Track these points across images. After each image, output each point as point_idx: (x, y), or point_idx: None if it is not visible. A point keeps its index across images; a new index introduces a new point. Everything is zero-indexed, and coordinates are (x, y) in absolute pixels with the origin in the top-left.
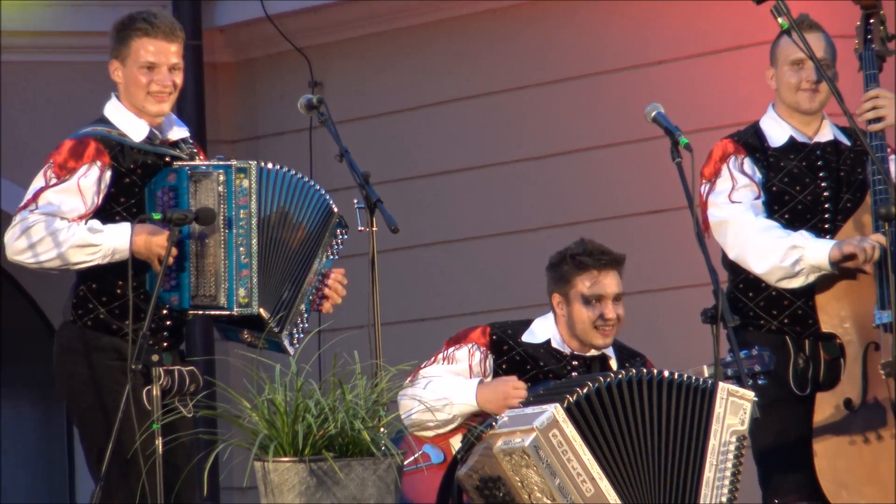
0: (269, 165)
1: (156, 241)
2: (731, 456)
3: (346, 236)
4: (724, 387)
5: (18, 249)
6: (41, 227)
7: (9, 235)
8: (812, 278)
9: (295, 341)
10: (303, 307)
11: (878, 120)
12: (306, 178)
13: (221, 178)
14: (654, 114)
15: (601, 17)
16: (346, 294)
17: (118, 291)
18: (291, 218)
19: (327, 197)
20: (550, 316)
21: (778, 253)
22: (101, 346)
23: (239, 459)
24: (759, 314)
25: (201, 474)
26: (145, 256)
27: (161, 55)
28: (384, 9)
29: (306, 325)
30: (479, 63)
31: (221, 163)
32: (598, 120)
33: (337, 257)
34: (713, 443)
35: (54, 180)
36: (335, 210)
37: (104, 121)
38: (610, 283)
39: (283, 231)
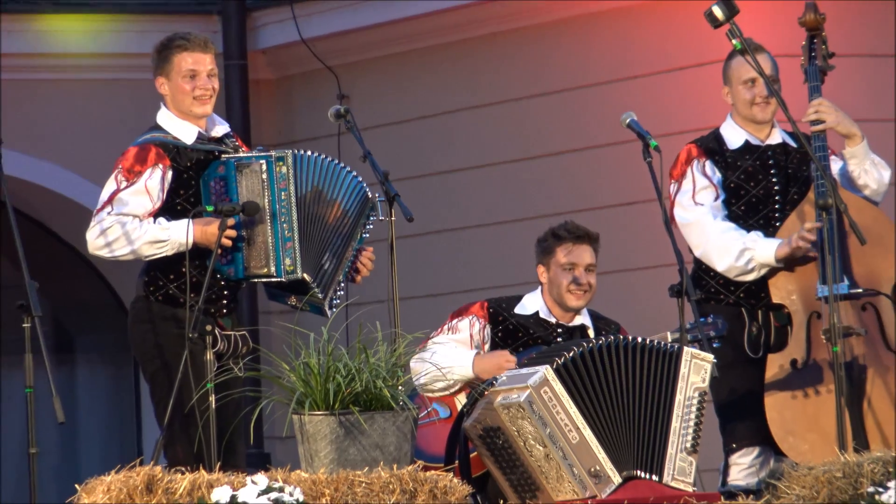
0: (304, 152)
1: (210, 231)
2: (694, 408)
3: (375, 218)
4: (688, 350)
5: (98, 246)
6: (117, 227)
7: (89, 234)
8: (763, 272)
9: (333, 306)
10: (340, 277)
11: (820, 123)
12: (339, 163)
13: (264, 166)
14: (628, 120)
15: (585, 39)
16: (373, 269)
17: (183, 270)
18: (325, 195)
19: (364, 184)
20: (538, 291)
21: (734, 253)
22: (165, 317)
23: (280, 413)
24: (718, 290)
25: (248, 426)
26: (205, 244)
27: (199, 64)
28: (401, 33)
29: (342, 293)
30: (483, 78)
31: (262, 153)
32: (582, 126)
33: (367, 236)
34: (679, 397)
35: (125, 183)
36: (369, 193)
37: (158, 128)
38: (583, 253)
39: (319, 207)
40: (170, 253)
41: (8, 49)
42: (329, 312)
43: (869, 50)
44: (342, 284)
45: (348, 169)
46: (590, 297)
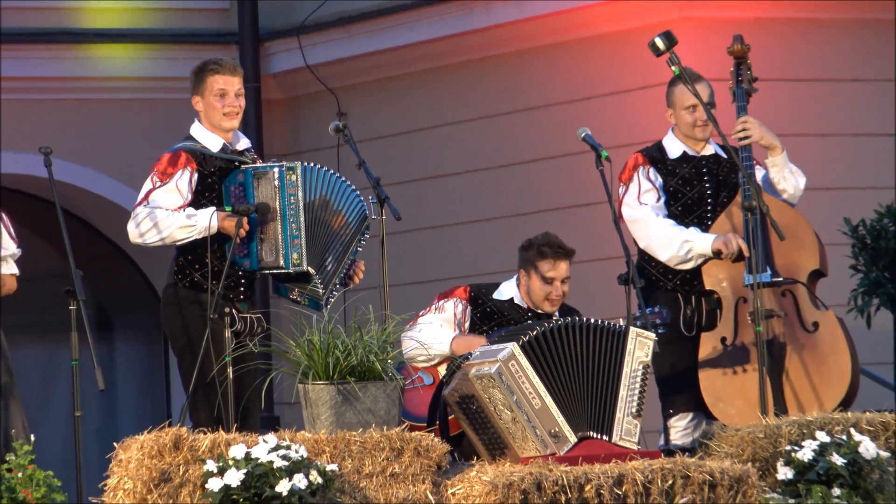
0: (312, 165)
1: (229, 224)
2: (638, 379)
3: (368, 236)
4: (633, 330)
5: (135, 235)
6: (149, 219)
7: (129, 226)
8: (700, 262)
9: (329, 303)
10: (337, 280)
11: (747, 138)
12: (345, 180)
13: (276, 174)
14: (583, 135)
15: (546, 66)
16: (363, 279)
17: (206, 260)
18: (332, 205)
19: (363, 202)
20: (514, 280)
21: (675, 245)
22: (191, 301)
23: (287, 383)
24: (658, 278)
25: (261, 393)
26: (225, 231)
27: (229, 85)
28: (391, 60)
29: (336, 295)
30: (459, 98)
31: (276, 164)
32: (544, 139)
33: (361, 250)
34: (626, 370)
35: (158, 183)
36: (367, 214)
37: (190, 138)
38: (562, 269)
39: (325, 214)
40: (198, 237)
41: (60, 73)
42: (324, 310)
43: (792, 75)
44: (338, 286)
45: (353, 187)
46: (561, 302)
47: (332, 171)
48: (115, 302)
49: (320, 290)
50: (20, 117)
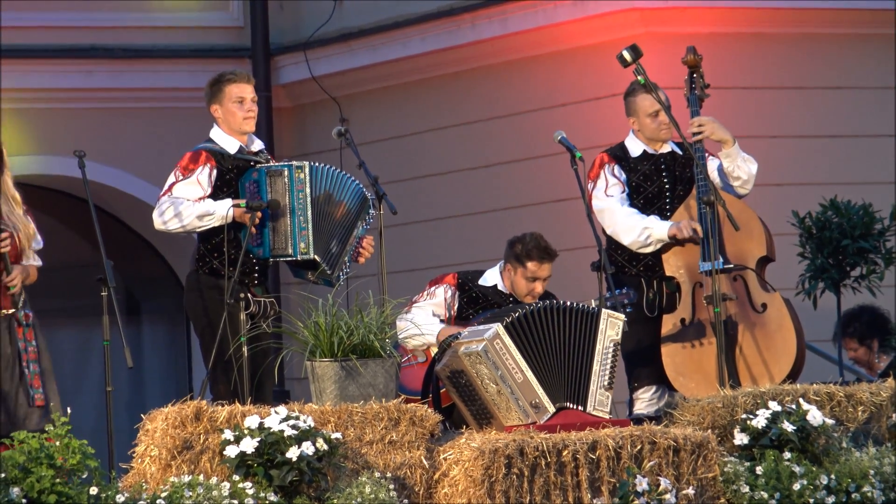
0: (319, 164)
1: (244, 217)
2: (610, 355)
3: (374, 213)
4: (605, 311)
5: (159, 223)
6: (172, 208)
7: (154, 215)
8: (658, 247)
9: (341, 280)
10: (346, 258)
11: (701, 134)
12: (345, 173)
13: (287, 173)
14: (559, 137)
15: (526, 76)
16: (373, 252)
17: (224, 249)
18: (335, 198)
19: (362, 188)
20: (497, 268)
21: (636, 231)
22: (210, 287)
23: (296, 360)
24: (624, 264)
25: (273, 369)
26: (240, 220)
27: (245, 92)
28: (388, 71)
29: (349, 271)
30: (449, 105)
31: (287, 163)
32: (524, 141)
33: (369, 226)
34: (599, 347)
35: (181, 177)
36: (367, 196)
37: (210, 140)
38: (544, 270)
39: (329, 206)
40: (216, 224)
41: (92, 85)
42: (338, 284)
43: (742, 83)
44: (348, 264)
45: (353, 178)
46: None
47: (334, 168)
48: (142, 288)
49: (328, 271)
50: (57, 124)
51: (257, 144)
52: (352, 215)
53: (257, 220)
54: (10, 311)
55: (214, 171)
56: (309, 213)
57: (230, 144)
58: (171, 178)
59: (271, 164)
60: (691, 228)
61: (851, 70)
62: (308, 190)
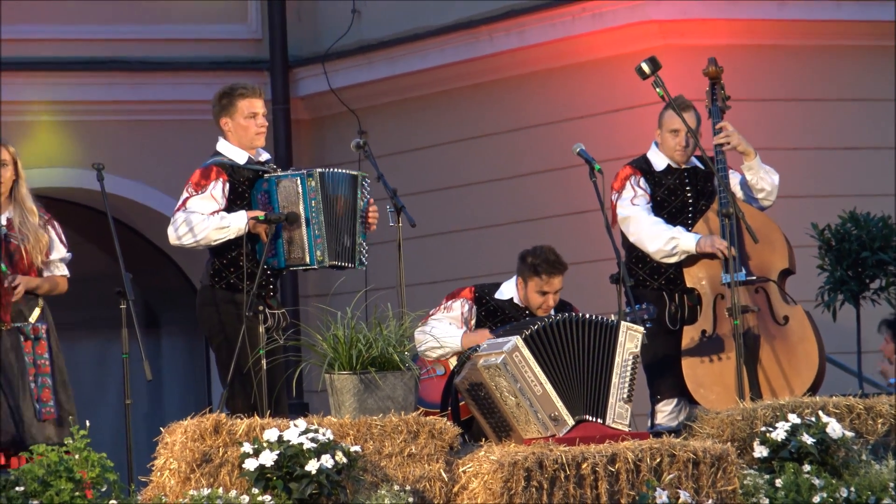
0: (326, 169)
1: (260, 229)
2: (629, 368)
3: (369, 182)
4: (624, 324)
5: (174, 238)
6: (185, 224)
7: (169, 230)
8: (683, 258)
9: (363, 261)
10: (360, 239)
11: (727, 144)
12: (342, 170)
13: (298, 181)
14: (578, 149)
15: (546, 88)
16: (378, 216)
17: (240, 263)
18: (337, 196)
19: (347, 172)
20: (513, 281)
21: (662, 240)
22: (226, 301)
23: (315, 373)
24: (645, 278)
25: (291, 382)
26: (254, 232)
27: (257, 107)
28: (407, 83)
29: (367, 250)
30: (469, 118)
31: (296, 172)
32: (543, 153)
33: (370, 197)
34: (618, 360)
35: (195, 193)
36: (354, 174)
37: (218, 153)
38: (555, 284)
39: (336, 207)
40: (232, 236)
41: (111, 98)
42: (362, 267)
43: (763, 95)
44: (364, 245)
45: (342, 170)
46: (550, 310)
47: (336, 169)
48: (160, 301)
49: (348, 266)
50: (76, 137)
51: (264, 155)
52: (350, 201)
53: (272, 232)
54: (13, 324)
55: (227, 185)
56: (322, 220)
57: (239, 156)
58: (185, 194)
59: (282, 173)
60: (721, 247)
61: (874, 81)
62: (320, 197)
